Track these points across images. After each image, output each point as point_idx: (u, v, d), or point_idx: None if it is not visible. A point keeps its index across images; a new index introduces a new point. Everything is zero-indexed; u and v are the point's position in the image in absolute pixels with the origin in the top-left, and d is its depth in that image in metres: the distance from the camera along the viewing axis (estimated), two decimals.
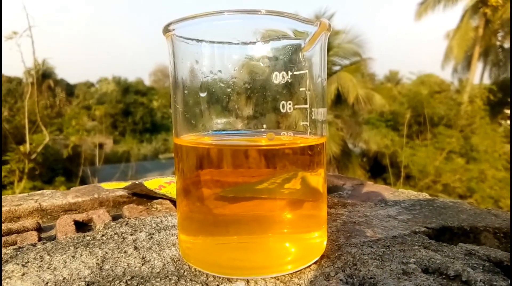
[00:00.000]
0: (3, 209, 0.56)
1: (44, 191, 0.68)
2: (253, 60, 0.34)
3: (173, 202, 0.61)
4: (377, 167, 8.74)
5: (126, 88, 17.00)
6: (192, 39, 0.34)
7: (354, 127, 8.37)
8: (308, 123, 0.36)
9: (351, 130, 8.33)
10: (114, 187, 0.67)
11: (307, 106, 0.35)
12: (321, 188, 0.37)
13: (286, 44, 0.34)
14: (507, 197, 5.94)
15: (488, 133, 7.63)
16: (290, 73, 0.34)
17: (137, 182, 0.64)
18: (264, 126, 0.36)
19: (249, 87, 0.35)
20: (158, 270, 0.36)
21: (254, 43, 0.33)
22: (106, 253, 0.40)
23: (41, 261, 0.38)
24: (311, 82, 0.35)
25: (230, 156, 0.35)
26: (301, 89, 0.35)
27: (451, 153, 7.62)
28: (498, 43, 10.57)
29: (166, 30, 0.35)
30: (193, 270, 0.36)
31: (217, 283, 0.33)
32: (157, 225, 0.48)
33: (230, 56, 0.35)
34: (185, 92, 0.36)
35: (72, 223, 0.52)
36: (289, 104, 0.34)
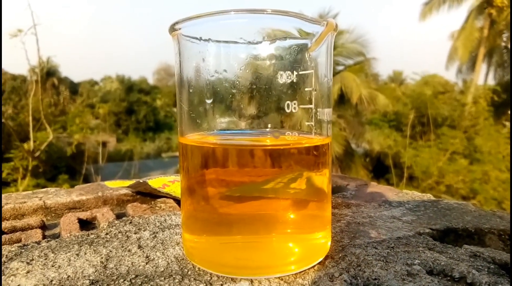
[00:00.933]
0: (7, 206, 0.56)
1: (48, 189, 0.68)
2: (259, 60, 0.34)
3: (177, 201, 0.61)
4: (380, 168, 8.71)
5: (129, 87, 17.03)
6: (198, 39, 0.34)
7: (357, 127, 8.35)
8: (313, 123, 0.35)
9: (354, 130, 8.31)
10: (118, 186, 0.67)
11: (312, 106, 0.35)
12: (326, 188, 0.37)
13: (292, 44, 0.34)
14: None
15: (492, 134, 7.60)
16: (295, 73, 0.34)
17: (141, 181, 0.64)
18: (269, 125, 0.36)
19: (254, 86, 0.35)
20: (162, 269, 0.36)
21: (260, 42, 0.33)
22: (110, 251, 0.40)
23: (46, 259, 0.38)
24: (316, 82, 0.35)
25: (235, 155, 0.35)
26: (306, 89, 0.35)
27: (455, 154, 7.60)
28: (503, 44, 10.49)
29: (173, 29, 0.35)
30: (197, 269, 0.36)
31: (221, 282, 0.33)
32: (161, 224, 0.48)
33: (236, 55, 0.35)
34: (191, 91, 0.36)
35: (76, 221, 0.52)
36: (294, 103, 0.34)
